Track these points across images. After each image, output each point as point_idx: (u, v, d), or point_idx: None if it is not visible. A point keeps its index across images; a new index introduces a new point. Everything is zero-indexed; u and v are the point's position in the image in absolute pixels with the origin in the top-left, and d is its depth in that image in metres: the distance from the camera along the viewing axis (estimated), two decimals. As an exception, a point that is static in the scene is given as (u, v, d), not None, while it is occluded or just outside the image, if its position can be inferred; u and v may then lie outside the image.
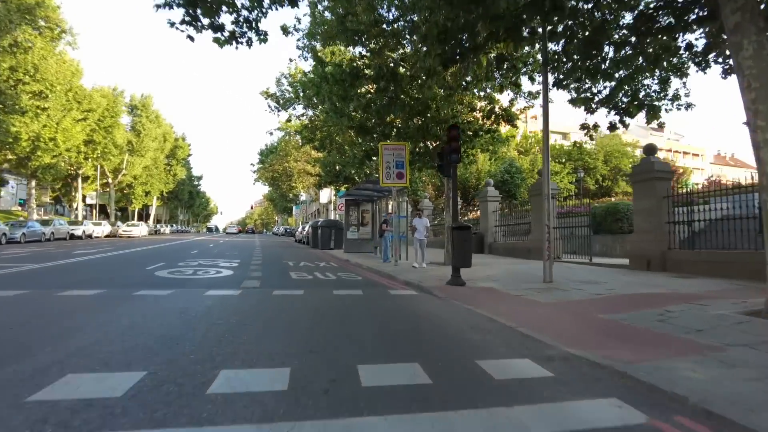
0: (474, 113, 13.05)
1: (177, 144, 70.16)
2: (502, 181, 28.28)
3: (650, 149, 12.00)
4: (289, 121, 24.83)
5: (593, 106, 9.94)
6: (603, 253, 19.39)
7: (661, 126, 10.59)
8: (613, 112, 9.82)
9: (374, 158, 14.49)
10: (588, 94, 9.89)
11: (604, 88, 9.82)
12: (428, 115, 12.51)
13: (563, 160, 43.06)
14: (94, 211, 53.94)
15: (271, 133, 27.24)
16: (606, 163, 42.29)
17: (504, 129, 15.22)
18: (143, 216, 71.95)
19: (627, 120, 9.78)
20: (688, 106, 10.31)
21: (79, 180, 42.45)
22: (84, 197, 46.21)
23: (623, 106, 9.59)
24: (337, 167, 22.05)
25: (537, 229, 16.43)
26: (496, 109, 13.00)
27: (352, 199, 20.09)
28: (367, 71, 12.41)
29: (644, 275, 10.36)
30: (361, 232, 19.43)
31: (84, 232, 34.03)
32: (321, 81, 13.30)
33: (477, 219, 22.69)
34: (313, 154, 29.19)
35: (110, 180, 50.68)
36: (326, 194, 36.96)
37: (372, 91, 12.72)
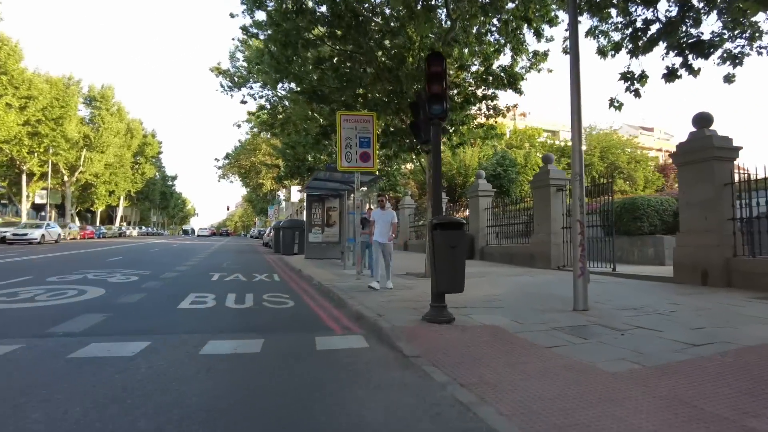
0: (464, 72, 9.68)
1: (146, 141, 65.77)
2: (494, 175, 25.00)
3: (704, 119, 8.74)
4: (255, 115, 21.25)
5: (641, 43, 6.64)
6: (620, 259, 16.15)
7: (729, 80, 7.32)
8: (673, 53, 6.52)
9: (334, 136, 11.04)
10: (636, 25, 6.58)
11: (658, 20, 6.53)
12: (403, 72, 9.10)
13: (557, 156, 40.07)
14: (53, 212, 49.51)
15: (239, 126, 24.01)
16: (602, 159, 39.38)
17: (499, 123, 11.89)
18: (112, 217, 67.50)
19: (696, 63, 6.47)
20: (774, 50, 7.05)
21: (23, 177, 38.13)
22: (29, 196, 41.77)
23: (691, 41, 6.29)
24: (297, 153, 18.32)
25: (542, 229, 13.15)
26: (495, 67, 9.64)
27: (315, 194, 16.59)
28: (319, 10, 8.95)
29: (712, 295, 7.09)
30: (326, 234, 15.95)
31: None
32: (259, 29, 9.80)
33: (466, 219, 19.36)
34: (278, 144, 25.53)
35: (66, 178, 46.35)
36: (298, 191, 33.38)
37: (326, 38, 9.28)
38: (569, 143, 40.95)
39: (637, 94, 7.01)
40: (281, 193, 50.57)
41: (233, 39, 19.08)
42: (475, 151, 33.04)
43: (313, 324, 5.49)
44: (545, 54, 10.59)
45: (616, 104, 7.23)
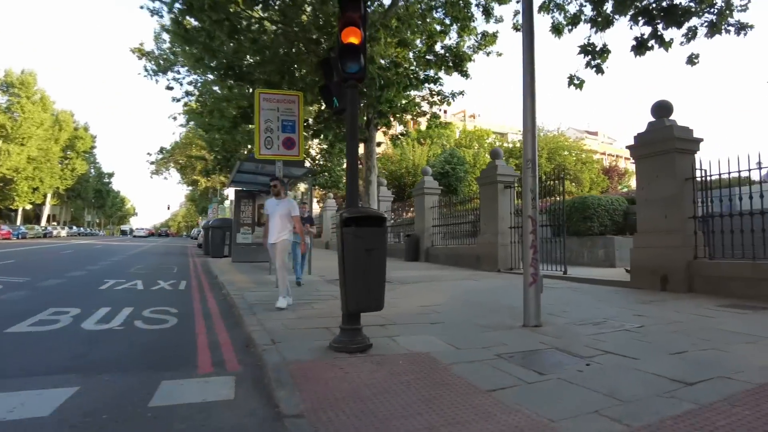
0: (405, 49, 8.44)
1: (77, 134, 60.92)
2: (442, 173, 24.06)
3: (664, 108, 7.93)
4: (183, 103, 19.19)
5: (606, 7, 5.62)
6: (569, 261, 15.50)
7: (692, 61, 6.48)
8: (642, 22, 5.54)
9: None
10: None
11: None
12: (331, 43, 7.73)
13: (505, 157, 39.97)
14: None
15: (175, 118, 21.90)
16: (550, 161, 39.57)
17: (446, 115, 10.75)
18: (39, 217, 61.96)
19: (667, 33, 5.52)
20: (742, 28, 6.26)
21: None
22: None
23: (664, 3, 5.32)
24: (226, 143, 16.42)
25: (488, 229, 12.17)
26: (438, 47, 8.47)
27: (243, 189, 14.90)
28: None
29: (676, 303, 6.19)
30: (256, 235, 14.30)
31: None
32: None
33: (411, 219, 18.28)
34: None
35: (-23, 172, 41.80)
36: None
37: (240, 2, 7.78)
38: (518, 144, 41.00)
39: (598, 69, 6.03)
40: (230, 191, 47.77)
41: (162, 26, 16.98)
42: (424, 150, 32.18)
43: (179, 356, 4.02)
44: (494, 35, 9.56)
45: (576, 82, 6.22)
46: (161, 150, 33.46)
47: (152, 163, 35.53)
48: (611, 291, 7.65)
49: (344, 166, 21.88)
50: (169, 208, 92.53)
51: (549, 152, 39.96)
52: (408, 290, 8.05)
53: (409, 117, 10.24)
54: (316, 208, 33.91)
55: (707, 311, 5.59)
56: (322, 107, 9.86)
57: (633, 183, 51.76)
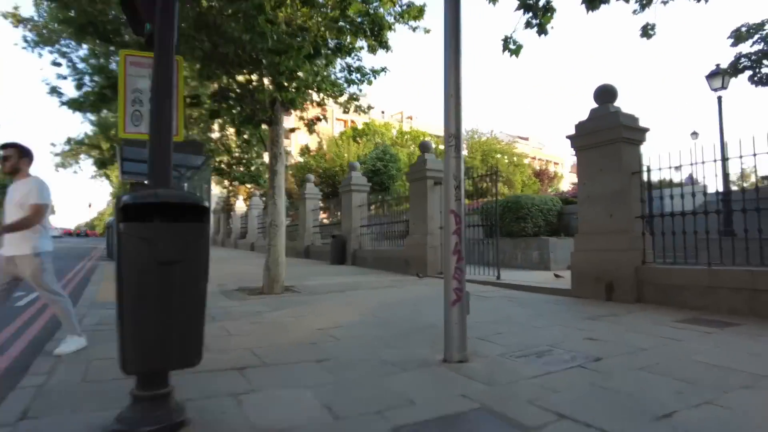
0: (312, 9, 6.90)
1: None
2: (373, 171, 22.71)
3: (608, 92, 6.96)
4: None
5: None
6: (503, 263, 14.61)
7: (647, 33, 5.47)
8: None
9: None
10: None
11: None
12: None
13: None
14: None
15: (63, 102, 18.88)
16: (484, 162, 39.53)
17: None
18: None
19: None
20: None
21: None
22: None
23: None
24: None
25: (417, 229, 10.91)
26: (350, 11, 6.99)
27: (137, 181, 12.72)
28: None
29: (629, 318, 5.10)
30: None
31: None
32: None
33: (338, 219, 16.73)
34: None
35: None
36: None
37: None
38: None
39: (541, 29, 4.79)
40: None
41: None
42: (360, 148, 30.78)
43: None
44: (422, 9, 8.25)
45: (512, 47, 4.96)
46: (68, 140, 29.50)
47: (57, 154, 31.34)
48: (551, 302, 6.53)
49: (266, 159, 19.81)
50: (90, 206, 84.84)
51: (483, 154, 39.93)
52: (314, 304, 6.52)
53: (321, 97, 8.70)
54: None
55: (668, 330, 4.51)
56: (222, 84, 8.11)
57: (563, 186, 53.23)
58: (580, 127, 7.13)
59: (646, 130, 6.80)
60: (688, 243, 6.04)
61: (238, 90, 8.05)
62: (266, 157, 12.33)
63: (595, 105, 7.08)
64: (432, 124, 69.25)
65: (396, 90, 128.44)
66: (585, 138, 7.01)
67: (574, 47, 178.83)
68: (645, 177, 6.55)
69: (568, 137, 7.29)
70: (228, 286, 8.50)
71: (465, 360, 3.54)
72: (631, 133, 6.64)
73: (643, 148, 6.64)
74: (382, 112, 69.91)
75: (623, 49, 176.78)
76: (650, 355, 3.67)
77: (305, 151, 39.19)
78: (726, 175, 9.86)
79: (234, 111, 8.51)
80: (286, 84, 6.82)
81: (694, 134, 24.03)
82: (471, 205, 14.16)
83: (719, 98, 12.21)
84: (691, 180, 6.71)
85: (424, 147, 11.07)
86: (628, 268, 6.30)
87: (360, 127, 41.33)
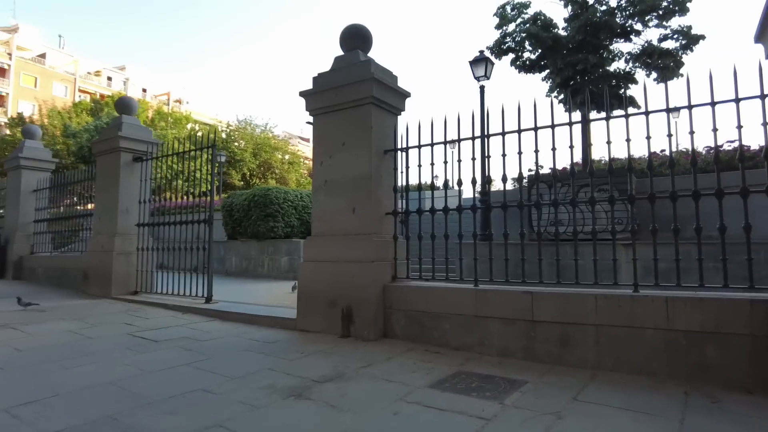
0: None
1: None
2: (88, 147, 17.30)
3: (360, 36, 4.89)
4: None
5: None
6: (245, 272, 11.88)
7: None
8: None
9: None
10: None
11: None
12: None
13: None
14: None
15: None
16: (255, 156, 36.37)
17: None
18: None
19: None
20: None
21: None
22: None
23: None
24: None
25: (104, 227, 7.36)
26: None
27: None
28: None
29: (365, 383, 2.94)
30: None
31: None
32: None
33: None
34: None
35: None
36: None
37: None
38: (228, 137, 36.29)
39: None
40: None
41: None
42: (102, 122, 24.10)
43: None
44: None
45: None
46: None
47: None
48: (259, 347, 4.04)
49: None
50: None
51: (255, 147, 36.79)
52: None
53: None
54: None
55: (414, 412, 2.43)
56: None
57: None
58: (318, 80, 4.89)
59: (406, 94, 4.96)
60: (447, 252, 4.31)
61: None
62: None
63: (341, 53, 4.95)
64: (209, 112, 62.88)
65: (165, 70, 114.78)
66: (324, 96, 4.79)
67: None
68: (402, 158, 4.65)
69: (301, 94, 4.99)
70: None
71: None
72: (387, 94, 4.68)
73: (403, 124, 4.73)
74: (144, 90, 60.24)
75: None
76: None
77: (17, 122, 29.76)
78: (485, 169, 9.14)
79: None
80: None
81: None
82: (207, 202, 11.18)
83: (482, 88, 11.89)
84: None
85: (121, 105, 7.53)
86: (373, 288, 4.26)
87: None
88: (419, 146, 4.49)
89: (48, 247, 9.32)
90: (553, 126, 3.76)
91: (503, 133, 3.97)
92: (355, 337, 4.21)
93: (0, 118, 41.67)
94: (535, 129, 3.83)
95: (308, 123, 5.12)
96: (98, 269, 7.09)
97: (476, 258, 3.98)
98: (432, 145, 4.41)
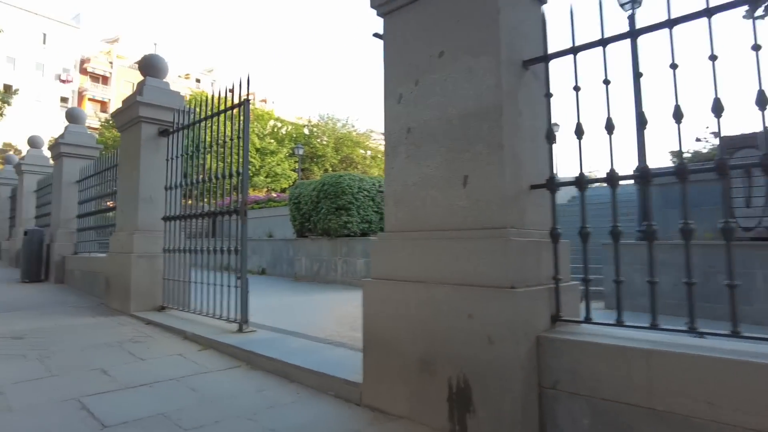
0: None
1: None
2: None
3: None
4: None
5: None
6: (316, 276, 10.05)
7: None
8: None
9: None
10: None
11: None
12: None
13: (285, 141, 34.33)
14: None
15: None
16: (337, 151, 35.25)
17: None
18: None
19: None
20: None
21: None
22: None
23: None
24: None
25: (125, 222, 5.74)
26: None
27: None
28: None
29: None
30: None
31: None
32: None
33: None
34: None
35: None
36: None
37: None
38: (317, 130, 35.61)
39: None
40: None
41: None
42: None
43: None
44: None
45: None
46: None
47: None
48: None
49: None
50: None
51: (336, 142, 35.68)
52: None
53: None
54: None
55: None
56: None
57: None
58: None
59: None
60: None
61: None
62: None
63: None
64: (294, 112, 63.67)
65: (252, 72, 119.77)
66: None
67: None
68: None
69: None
70: None
71: None
72: None
73: None
74: (230, 90, 62.11)
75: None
76: None
77: (111, 124, 30.98)
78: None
79: None
80: None
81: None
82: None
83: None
84: None
85: (147, 66, 5.82)
86: (511, 342, 1.95)
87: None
88: (603, 41, 2.08)
89: (93, 246, 8.05)
90: None
91: None
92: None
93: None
94: None
95: (376, 36, 2.91)
96: (117, 276, 5.47)
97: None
98: (635, 34, 1.99)
